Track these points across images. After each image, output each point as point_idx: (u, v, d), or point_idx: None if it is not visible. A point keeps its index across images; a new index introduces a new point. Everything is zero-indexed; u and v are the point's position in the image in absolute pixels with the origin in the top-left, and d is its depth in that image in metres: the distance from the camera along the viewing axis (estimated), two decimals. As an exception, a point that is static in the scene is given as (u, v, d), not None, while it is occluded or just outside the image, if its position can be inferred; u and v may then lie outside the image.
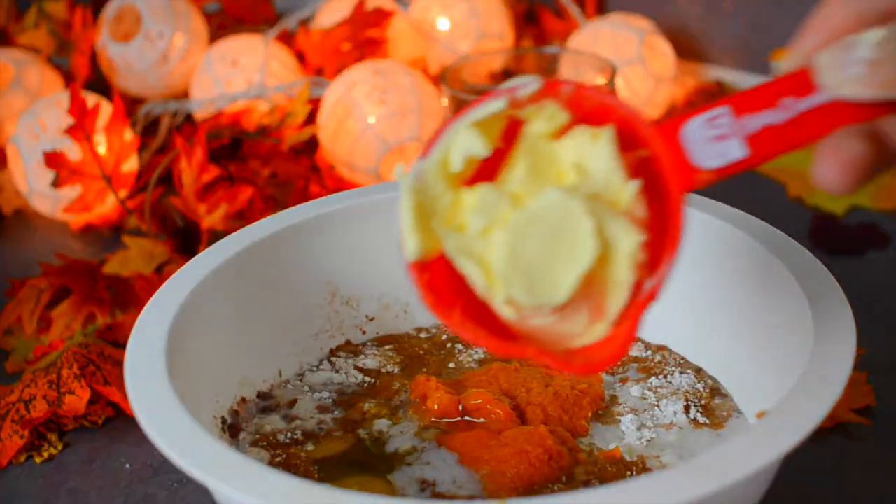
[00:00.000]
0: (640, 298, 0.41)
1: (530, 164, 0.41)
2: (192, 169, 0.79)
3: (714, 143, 0.38)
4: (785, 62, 0.39)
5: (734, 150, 0.38)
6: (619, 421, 0.53)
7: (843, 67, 0.37)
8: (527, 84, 0.41)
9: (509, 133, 0.42)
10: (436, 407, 0.53)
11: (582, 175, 0.41)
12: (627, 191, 0.40)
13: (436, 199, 0.41)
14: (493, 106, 0.41)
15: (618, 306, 0.41)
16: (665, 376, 0.57)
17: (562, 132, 0.42)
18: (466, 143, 0.41)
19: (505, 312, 0.41)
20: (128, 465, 0.60)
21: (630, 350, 0.58)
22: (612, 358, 0.42)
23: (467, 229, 0.41)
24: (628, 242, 0.40)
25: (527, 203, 0.41)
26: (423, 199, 0.41)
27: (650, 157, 0.40)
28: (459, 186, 0.42)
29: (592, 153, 0.41)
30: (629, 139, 0.41)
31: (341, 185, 0.88)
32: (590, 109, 0.41)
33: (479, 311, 0.42)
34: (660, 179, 0.40)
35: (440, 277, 0.42)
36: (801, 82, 0.38)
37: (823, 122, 0.38)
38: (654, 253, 0.41)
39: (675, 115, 0.40)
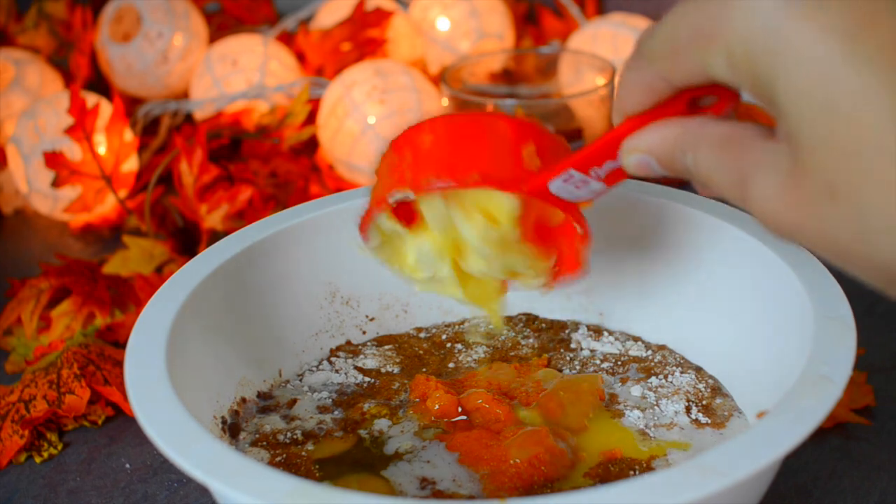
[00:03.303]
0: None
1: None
2: (192, 169, 0.79)
3: (579, 188, 0.47)
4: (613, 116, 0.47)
5: (597, 186, 0.47)
6: (620, 421, 0.53)
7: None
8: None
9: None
10: (436, 407, 0.53)
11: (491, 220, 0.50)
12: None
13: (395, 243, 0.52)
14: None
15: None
16: (665, 376, 0.57)
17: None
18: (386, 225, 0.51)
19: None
20: (128, 465, 0.60)
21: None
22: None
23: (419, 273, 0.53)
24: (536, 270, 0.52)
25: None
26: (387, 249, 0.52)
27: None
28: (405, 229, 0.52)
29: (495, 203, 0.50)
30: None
31: (341, 185, 0.88)
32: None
33: None
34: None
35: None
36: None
37: None
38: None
39: (533, 180, 0.48)
